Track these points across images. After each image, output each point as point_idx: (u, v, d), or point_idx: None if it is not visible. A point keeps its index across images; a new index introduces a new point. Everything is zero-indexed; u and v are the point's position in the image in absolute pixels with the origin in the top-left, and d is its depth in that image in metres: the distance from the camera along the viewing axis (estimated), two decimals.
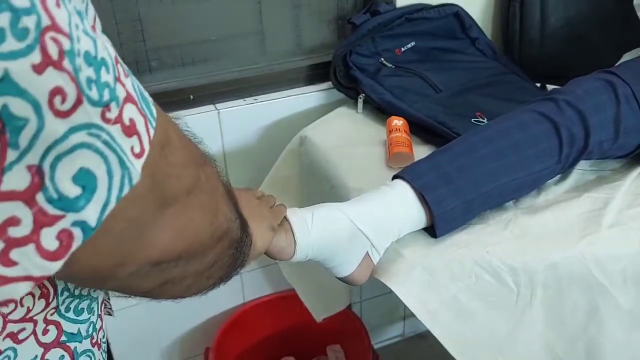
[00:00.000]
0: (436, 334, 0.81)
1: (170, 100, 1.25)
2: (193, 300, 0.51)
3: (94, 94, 0.31)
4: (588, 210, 0.87)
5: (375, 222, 0.79)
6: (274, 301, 1.57)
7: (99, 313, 0.54)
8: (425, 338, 1.83)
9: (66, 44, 0.29)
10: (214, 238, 0.44)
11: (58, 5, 0.29)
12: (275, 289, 1.58)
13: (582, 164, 0.95)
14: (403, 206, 0.80)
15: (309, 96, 1.35)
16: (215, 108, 1.27)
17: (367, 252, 0.80)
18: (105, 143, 0.32)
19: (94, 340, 0.52)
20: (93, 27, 0.33)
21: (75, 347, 0.49)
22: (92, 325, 0.52)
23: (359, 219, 0.78)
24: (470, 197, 0.81)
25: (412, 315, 0.80)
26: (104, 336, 0.55)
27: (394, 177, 0.84)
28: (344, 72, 1.25)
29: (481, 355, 0.84)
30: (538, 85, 1.28)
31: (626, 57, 1.13)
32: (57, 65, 0.28)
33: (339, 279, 0.82)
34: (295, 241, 0.74)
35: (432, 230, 0.82)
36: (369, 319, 1.61)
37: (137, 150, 0.34)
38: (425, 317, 0.81)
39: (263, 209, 0.74)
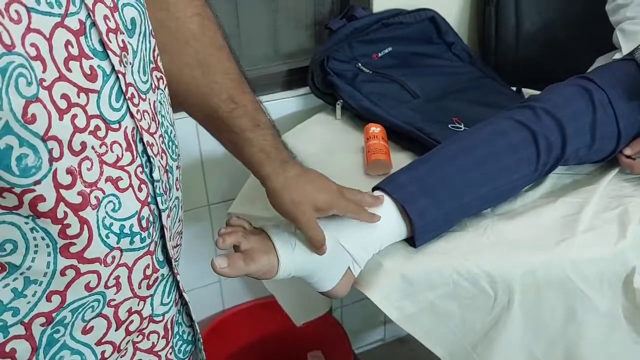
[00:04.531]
0: (413, 333, 0.82)
1: None
2: None
3: None
4: (564, 214, 0.87)
5: (357, 237, 0.78)
6: (254, 308, 1.56)
7: None
8: (406, 342, 1.84)
9: None
10: None
11: None
12: (255, 295, 1.56)
13: (558, 169, 0.95)
14: (384, 219, 0.79)
15: (286, 102, 1.34)
16: None
17: (349, 267, 0.79)
18: None
19: None
20: None
21: None
22: None
23: (342, 235, 0.77)
24: (450, 207, 0.81)
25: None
26: None
27: (374, 188, 0.83)
28: (321, 77, 1.24)
29: (455, 349, 0.84)
30: (514, 89, 1.29)
31: (600, 60, 1.14)
32: None
33: (320, 292, 0.82)
34: (278, 262, 0.74)
35: (411, 240, 0.82)
36: (349, 324, 1.60)
37: None
38: (403, 322, 0.81)
39: None
